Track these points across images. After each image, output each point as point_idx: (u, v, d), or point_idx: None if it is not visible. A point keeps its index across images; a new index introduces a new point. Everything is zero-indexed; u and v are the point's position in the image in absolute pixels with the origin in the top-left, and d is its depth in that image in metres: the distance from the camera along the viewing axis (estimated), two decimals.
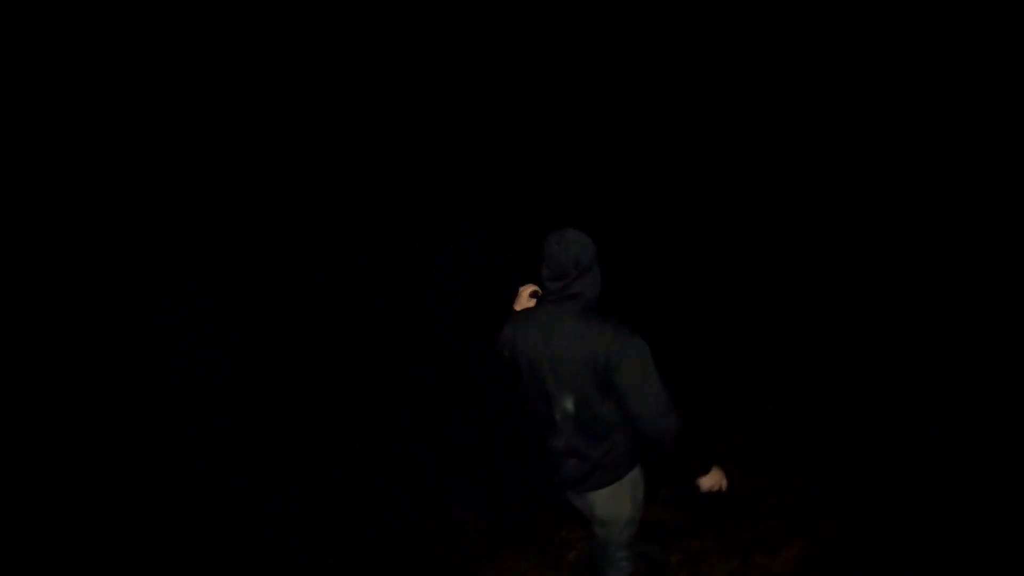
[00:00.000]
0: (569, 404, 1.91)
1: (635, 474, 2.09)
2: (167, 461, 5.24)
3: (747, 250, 5.95)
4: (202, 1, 7.16)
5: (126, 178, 7.11)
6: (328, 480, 4.56)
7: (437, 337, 6.21)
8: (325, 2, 7.79)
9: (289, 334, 6.88)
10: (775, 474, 3.12)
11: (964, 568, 2.23)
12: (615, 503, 2.07)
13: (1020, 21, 5.80)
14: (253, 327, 6.89)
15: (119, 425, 5.66)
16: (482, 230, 6.45)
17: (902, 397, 3.25)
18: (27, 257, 6.34)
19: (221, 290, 7.04)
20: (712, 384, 3.99)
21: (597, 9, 7.87)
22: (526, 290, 2.14)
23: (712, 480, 1.99)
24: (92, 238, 6.82)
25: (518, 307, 2.11)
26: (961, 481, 2.61)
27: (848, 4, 7.13)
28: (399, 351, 6.27)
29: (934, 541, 2.36)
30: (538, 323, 1.93)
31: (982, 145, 5.56)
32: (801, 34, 7.32)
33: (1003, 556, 2.22)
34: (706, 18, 7.74)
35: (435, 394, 5.37)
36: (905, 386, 3.35)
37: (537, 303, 2.04)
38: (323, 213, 7.89)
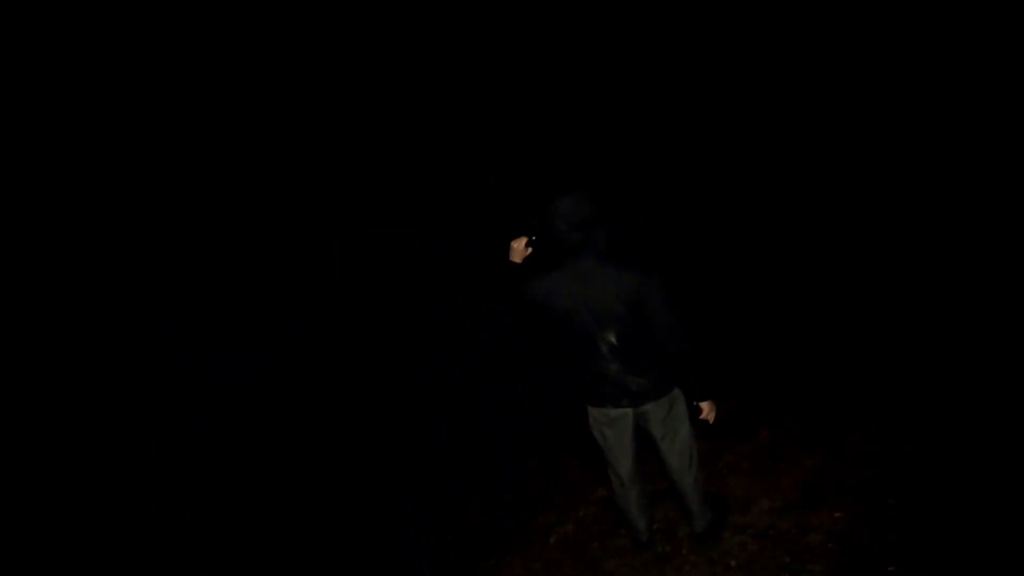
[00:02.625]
0: (612, 338, 2.20)
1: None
2: (167, 461, 5.29)
3: (747, 250, 5.98)
4: (202, 1, 7.16)
5: (126, 179, 7.11)
6: (328, 480, 4.59)
7: (437, 337, 6.21)
8: (325, 2, 7.80)
9: (289, 334, 6.91)
10: (771, 476, 3.14)
11: (964, 568, 2.22)
12: (678, 410, 2.44)
13: (1020, 21, 5.79)
14: (253, 327, 6.91)
15: (119, 425, 5.68)
16: (482, 230, 6.45)
17: (902, 397, 3.25)
18: (27, 258, 6.33)
19: (221, 290, 7.05)
20: (781, 403, 3.93)
21: (595, 9, 7.88)
22: (520, 242, 2.35)
23: (707, 411, 2.43)
24: (92, 238, 6.82)
25: (517, 259, 2.35)
26: (961, 481, 2.60)
27: (848, 4, 7.13)
28: (399, 351, 6.28)
29: (934, 541, 2.36)
30: (570, 275, 2.19)
31: (982, 145, 5.55)
32: (801, 34, 7.33)
33: (1003, 556, 2.21)
34: (706, 18, 7.74)
35: (435, 394, 5.38)
36: (905, 386, 3.35)
37: (557, 257, 2.22)
38: (323, 213, 7.89)
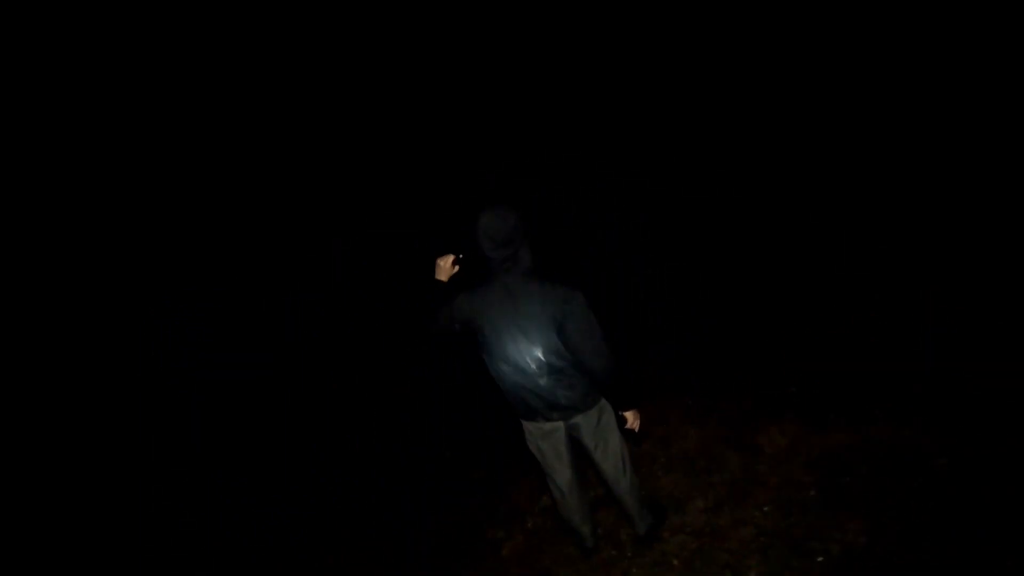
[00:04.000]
0: (539, 353, 2.24)
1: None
2: (167, 461, 5.21)
3: (746, 250, 5.98)
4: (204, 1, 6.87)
5: (124, 179, 6.90)
6: (328, 480, 4.56)
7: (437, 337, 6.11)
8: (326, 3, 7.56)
9: (289, 334, 6.79)
10: (702, 476, 3.23)
11: (965, 568, 2.25)
12: (607, 420, 2.52)
13: (1020, 21, 5.80)
14: (253, 327, 6.77)
15: (120, 425, 5.62)
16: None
17: (902, 397, 3.27)
18: (27, 258, 6.13)
19: (221, 290, 6.90)
20: (711, 386, 4.06)
21: (592, 10, 7.82)
22: (447, 260, 2.37)
23: (631, 421, 2.49)
24: (91, 239, 6.65)
25: (443, 276, 2.37)
26: (961, 482, 2.62)
27: (848, 4, 7.18)
28: (399, 351, 6.22)
29: (934, 541, 2.38)
30: (498, 292, 2.21)
31: (982, 145, 5.54)
32: (801, 34, 7.36)
33: (1003, 556, 2.23)
34: (706, 18, 7.74)
35: (435, 394, 5.36)
36: (905, 386, 3.35)
37: (483, 274, 2.25)
38: (323, 213, 7.76)
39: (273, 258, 7.51)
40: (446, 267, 2.36)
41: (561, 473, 2.62)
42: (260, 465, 5.00)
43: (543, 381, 2.31)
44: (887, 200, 5.61)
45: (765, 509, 2.83)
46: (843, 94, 7.02)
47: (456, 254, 2.38)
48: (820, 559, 2.48)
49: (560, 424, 2.48)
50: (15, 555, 4.31)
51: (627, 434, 2.58)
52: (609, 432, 2.54)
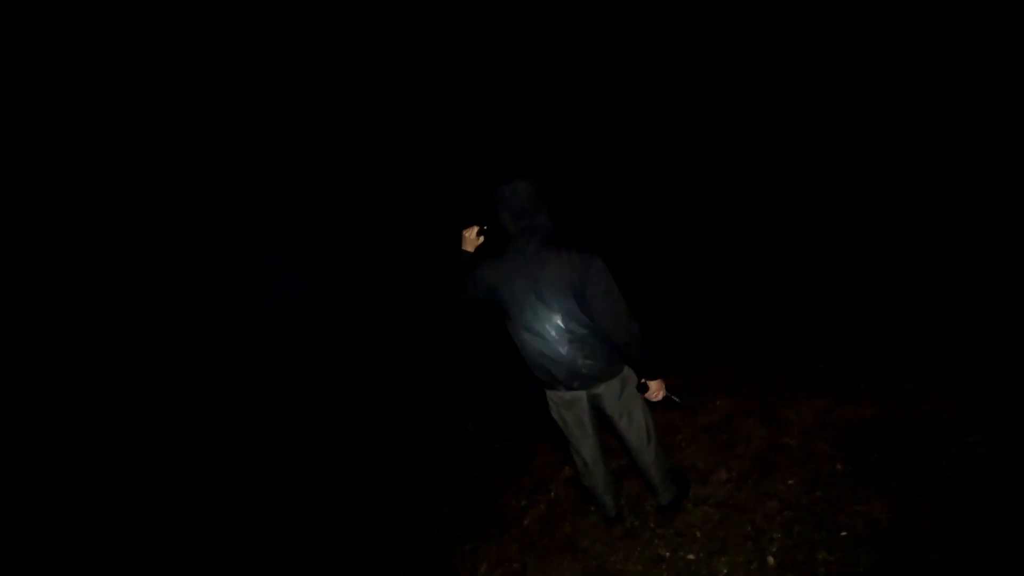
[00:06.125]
0: (559, 320, 2.24)
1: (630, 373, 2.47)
2: (168, 461, 5.32)
3: (746, 251, 5.95)
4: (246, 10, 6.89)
5: (125, 179, 6.96)
6: (328, 480, 4.61)
7: (438, 337, 6.23)
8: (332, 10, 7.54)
9: (289, 334, 6.89)
10: (727, 448, 3.20)
11: (965, 568, 2.20)
12: (629, 392, 2.48)
13: (1020, 21, 5.64)
14: (253, 327, 6.88)
15: (120, 426, 5.73)
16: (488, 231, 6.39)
17: (934, 371, 3.21)
18: (27, 262, 6.24)
19: (221, 290, 7.00)
20: (739, 358, 4.04)
21: (591, 10, 7.66)
22: (471, 231, 2.38)
23: (658, 385, 2.42)
24: (92, 239, 6.71)
25: (470, 247, 2.36)
26: (993, 459, 2.57)
27: (849, 4, 6.94)
28: (399, 351, 6.29)
29: (962, 520, 2.35)
30: (517, 261, 2.21)
31: (983, 145, 5.45)
32: (802, 34, 7.15)
33: (1003, 556, 2.20)
34: (707, 18, 7.54)
35: (435, 393, 5.42)
36: (937, 360, 3.31)
37: (503, 244, 2.27)
38: (323, 213, 7.81)
39: (272, 258, 7.53)
40: (471, 238, 2.37)
41: (584, 442, 2.62)
42: (260, 465, 5.06)
43: (563, 349, 2.30)
44: (887, 201, 5.52)
45: (790, 482, 2.78)
46: (844, 96, 6.84)
47: (480, 225, 2.39)
48: (844, 534, 2.45)
49: (582, 394, 2.46)
50: (18, 554, 4.38)
51: (655, 403, 2.52)
52: (633, 402, 2.51)
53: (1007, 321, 3.44)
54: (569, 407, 2.53)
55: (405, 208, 7.67)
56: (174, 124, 7.03)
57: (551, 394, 2.55)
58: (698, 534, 2.75)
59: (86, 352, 6.16)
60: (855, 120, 6.61)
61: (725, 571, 2.51)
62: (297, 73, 7.37)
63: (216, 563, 4.01)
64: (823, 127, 6.76)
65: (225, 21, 6.81)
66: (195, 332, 6.67)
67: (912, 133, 6.00)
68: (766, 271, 5.27)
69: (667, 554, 2.71)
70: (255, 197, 7.52)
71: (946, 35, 6.13)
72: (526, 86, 7.70)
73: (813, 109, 6.91)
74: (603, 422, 2.62)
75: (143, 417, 5.82)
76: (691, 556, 2.65)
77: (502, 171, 2.30)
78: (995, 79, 5.69)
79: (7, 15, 5.77)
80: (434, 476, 4.14)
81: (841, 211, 5.62)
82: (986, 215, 4.62)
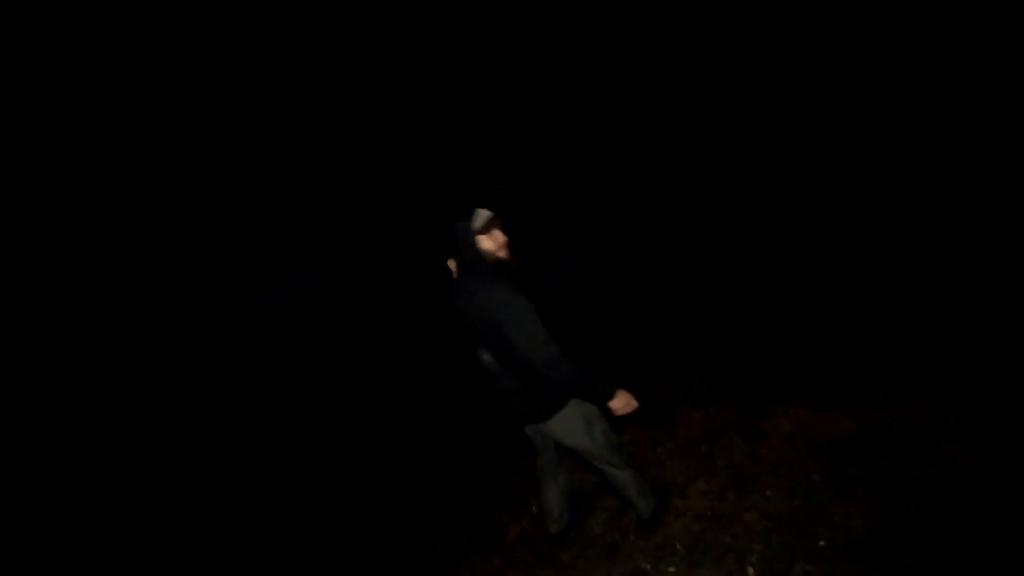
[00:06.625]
0: (487, 356, 2.27)
1: (578, 405, 2.39)
2: (169, 462, 5.29)
3: (754, 241, 5.97)
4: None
5: (125, 179, 6.89)
6: (328, 480, 4.60)
7: (439, 337, 6.20)
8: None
9: (289, 334, 6.83)
10: (705, 460, 3.22)
11: (967, 559, 2.22)
12: (567, 429, 2.40)
13: (1020, 21, 5.74)
14: (253, 327, 6.82)
15: (120, 426, 5.68)
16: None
17: (908, 382, 3.23)
18: (27, 263, 6.15)
19: (221, 290, 6.94)
20: (717, 372, 4.04)
21: (589, 10, 7.76)
22: (452, 263, 2.43)
23: (619, 403, 2.30)
24: (92, 240, 6.65)
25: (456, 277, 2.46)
26: (967, 469, 2.58)
27: (849, 4, 7.07)
28: (399, 351, 6.25)
29: (937, 529, 2.37)
30: (462, 292, 2.26)
31: (983, 145, 5.50)
32: (801, 34, 7.27)
33: (1003, 556, 2.21)
34: (707, 18, 7.65)
35: (435, 394, 5.41)
36: (911, 371, 3.33)
37: (458, 277, 2.33)
38: (323, 213, 7.78)
39: (273, 258, 7.50)
40: (454, 268, 2.41)
41: (541, 457, 2.70)
42: (261, 465, 5.06)
43: (502, 384, 2.34)
44: (887, 201, 5.56)
45: (768, 494, 2.80)
46: (844, 96, 6.95)
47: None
48: (822, 543, 2.47)
49: (535, 427, 2.49)
50: (19, 554, 4.37)
51: (624, 418, 2.45)
52: (584, 433, 2.43)
53: (1004, 324, 3.49)
54: (533, 433, 2.62)
55: (405, 208, 7.66)
56: (174, 124, 6.97)
57: None
58: (678, 547, 2.75)
59: (86, 352, 6.08)
60: (855, 120, 6.69)
61: None
62: (297, 73, 7.36)
63: (216, 563, 3.98)
64: (823, 127, 6.82)
65: (225, 21, 6.78)
66: (196, 332, 6.60)
67: (912, 133, 6.08)
68: (765, 271, 5.31)
69: (648, 567, 2.71)
70: (255, 197, 7.47)
71: (946, 35, 6.23)
72: (526, 86, 7.75)
73: (813, 109, 6.99)
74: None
75: (143, 417, 5.74)
76: (672, 569, 2.65)
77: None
78: (995, 79, 5.78)
79: (7, 15, 5.73)
80: (433, 476, 4.16)
81: (841, 211, 5.66)
82: (986, 215, 4.67)
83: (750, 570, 2.48)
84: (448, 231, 2.25)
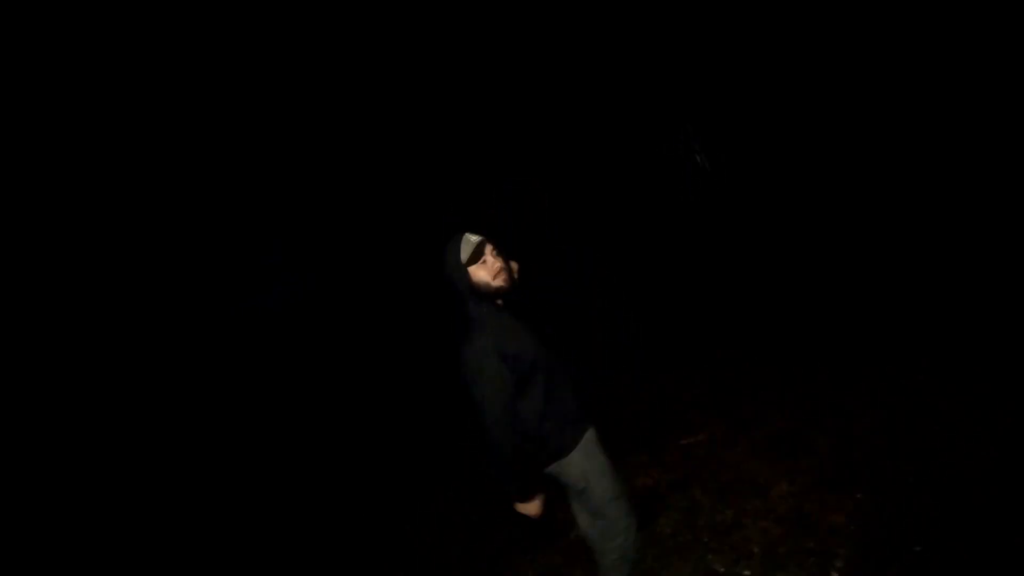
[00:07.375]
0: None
1: (579, 450, 2.11)
2: (169, 462, 5.30)
3: (746, 252, 5.96)
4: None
5: (125, 180, 7.15)
6: (328, 480, 4.63)
7: (437, 337, 6.20)
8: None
9: (289, 334, 7.01)
10: (788, 460, 3.07)
11: (966, 568, 2.14)
12: (570, 474, 2.13)
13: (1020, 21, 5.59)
14: (253, 327, 7.02)
15: (120, 426, 5.61)
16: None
17: (903, 398, 3.17)
18: (25, 263, 6.35)
19: (221, 290, 7.14)
20: (713, 390, 3.93)
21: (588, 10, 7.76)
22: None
23: (529, 508, 2.03)
24: (92, 240, 6.84)
25: None
26: (961, 482, 2.50)
27: (849, 4, 6.82)
28: (399, 351, 6.34)
29: (935, 541, 2.28)
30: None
31: (982, 145, 5.40)
32: (801, 34, 7.06)
33: (1003, 556, 2.13)
34: (708, 18, 7.53)
35: (435, 394, 5.32)
36: (905, 386, 3.27)
37: None
38: (323, 214, 7.96)
39: (272, 259, 7.58)
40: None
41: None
42: (261, 465, 5.07)
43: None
44: (887, 201, 5.54)
45: (858, 496, 2.61)
46: (845, 96, 6.70)
47: None
48: (918, 549, 2.26)
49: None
50: (19, 553, 4.33)
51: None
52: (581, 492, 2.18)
53: (1004, 324, 3.46)
54: None
55: (405, 208, 7.71)
56: (174, 124, 7.12)
57: None
58: (756, 550, 2.57)
59: (86, 352, 6.22)
60: (855, 120, 6.61)
61: None
62: (297, 73, 7.52)
63: (216, 563, 3.95)
64: (823, 127, 6.74)
65: (225, 20, 6.97)
66: (195, 332, 6.75)
67: (912, 133, 6.02)
68: (765, 271, 5.30)
69: (722, 570, 2.55)
70: (255, 197, 7.59)
71: (946, 35, 6.08)
72: (526, 86, 7.71)
73: (812, 109, 6.82)
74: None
75: (143, 417, 5.81)
76: (747, 572, 2.48)
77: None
78: (995, 79, 5.67)
79: (7, 15, 5.99)
80: (433, 476, 4.12)
81: (841, 211, 5.67)
82: (986, 215, 4.66)
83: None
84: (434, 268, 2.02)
